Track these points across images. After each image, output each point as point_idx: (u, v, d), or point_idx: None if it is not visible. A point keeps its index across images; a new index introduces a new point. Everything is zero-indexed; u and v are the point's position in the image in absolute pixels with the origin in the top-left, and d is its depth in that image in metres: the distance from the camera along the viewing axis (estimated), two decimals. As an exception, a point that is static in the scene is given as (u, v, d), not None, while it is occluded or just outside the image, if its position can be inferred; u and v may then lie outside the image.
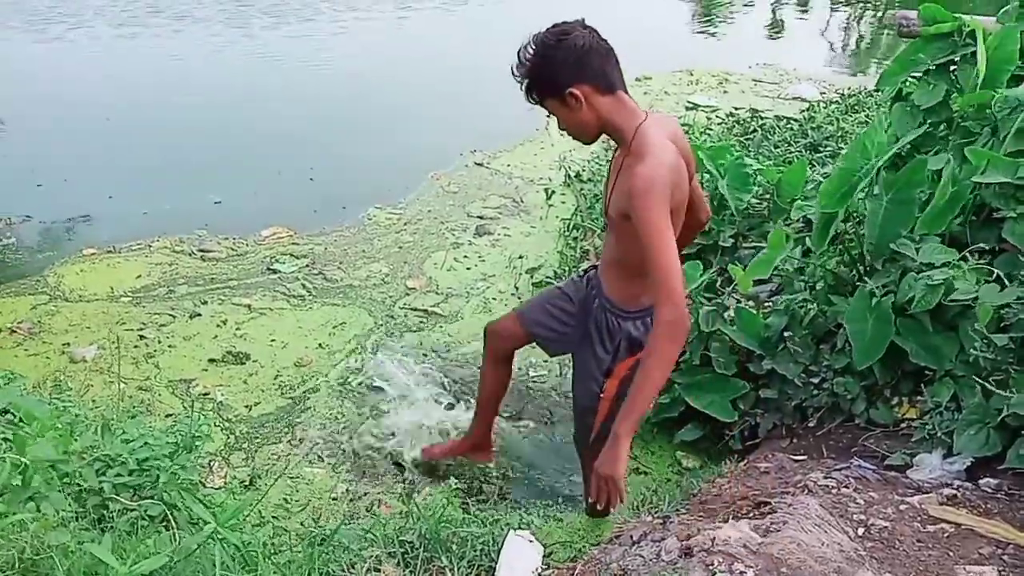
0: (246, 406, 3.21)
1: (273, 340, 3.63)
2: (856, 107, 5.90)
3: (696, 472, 2.84)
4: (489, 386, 2.64)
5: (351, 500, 2.73)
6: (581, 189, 5.02)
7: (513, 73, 1.90)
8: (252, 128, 5.95)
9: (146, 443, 2.02)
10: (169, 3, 8.70)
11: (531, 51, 1.86)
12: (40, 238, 4.44)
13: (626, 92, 1.92)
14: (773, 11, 10.38)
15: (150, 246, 4.36)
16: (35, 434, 1.73)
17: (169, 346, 3.55)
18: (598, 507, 2.00)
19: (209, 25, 8.13)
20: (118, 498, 1.78)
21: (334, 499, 2.74)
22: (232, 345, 3.57)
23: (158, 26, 7.99)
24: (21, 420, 1.89)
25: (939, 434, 2.27)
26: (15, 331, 3.57)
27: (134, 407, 3.04)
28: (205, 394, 3.25)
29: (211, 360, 3.47)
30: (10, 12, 8.16)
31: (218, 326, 3.71)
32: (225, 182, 5.11)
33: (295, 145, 5.69)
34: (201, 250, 4.34)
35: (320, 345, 3.61)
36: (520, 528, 2.10)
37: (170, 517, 1.74)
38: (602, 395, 2.21)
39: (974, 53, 2.69)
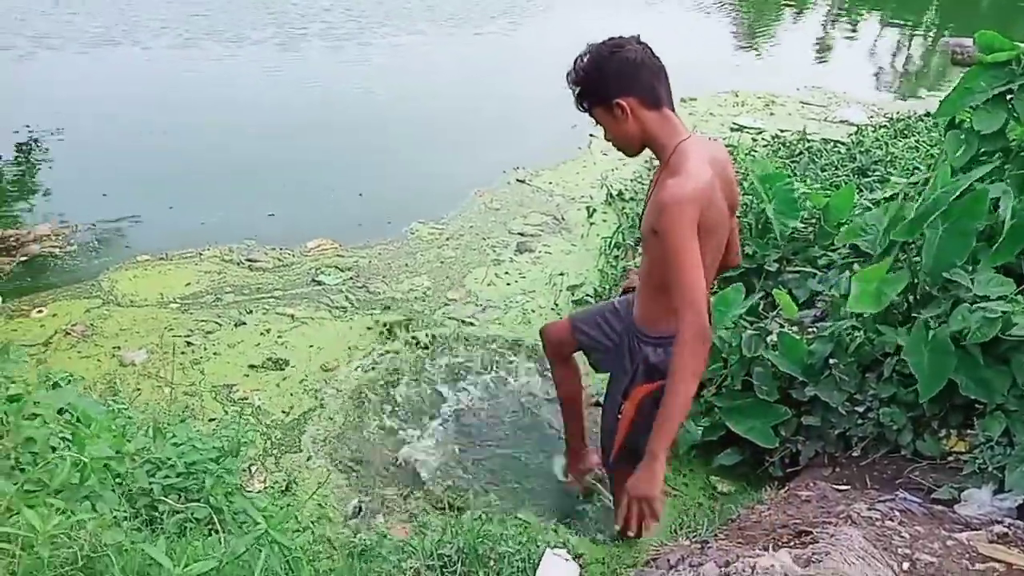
0: (283, 411, 3.27)
1: (311, 347, 3.70)
2: (905, 132, 5.81)
3: (734, 497, 2.81)
4: (563, 388, 2.69)
5: (363, 515, 2.77)
6: (623, 208, 5.02)
7: (567, 79, 1.95)
8: (304, 145, 6.09)
9: (194, 447, 2.08)
10: (226, 26, 8.99)
11: (585, 60, 1.92)
12: (99, 244, 4.59)
13: (673, 110, 1.95)
14: (822, 34, 10.29)
15: (200, 255, 4.48)
16: (92, 435, 1.79)
17: (214, 353, 3.63)
18: (629, 532, 1.96)
19: (265, 48, 8.39)
20: (167, 500, 1.83)
21: (358, 512, 2.77)
22: (273, 352, 3.64)
23: (217, 48, 8.26)
24: (78, 420, 1.96)
25: (990, 469, 2.21)
26: (69, 333, 3.70)
27: (182, 411, 3.12)
28: (244, 399, 3.32)
29: (251, 366, 3.54)
30: (67, 32, 8.50)
31: (262, 335, 3.79)
32: (276, 195, 5.23)
33: (344, 162, 5.83)
34: (249, 260, 4.44)
35: (349, 347, 3.69)
36: (556, 547, 2.10)
37: (215, 520, 1.78)
38: (619, 417, 2.21)
39: (1033, 81, 2.64)
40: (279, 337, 3.77)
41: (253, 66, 7.90)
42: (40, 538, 1.30)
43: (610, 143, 2.01)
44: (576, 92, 1.95)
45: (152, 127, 6.26)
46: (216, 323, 3.85)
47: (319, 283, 4.24)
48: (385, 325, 3.83)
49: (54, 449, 1.68)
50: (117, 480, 1.82)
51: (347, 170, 5.68)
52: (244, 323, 3.86)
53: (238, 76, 7.60)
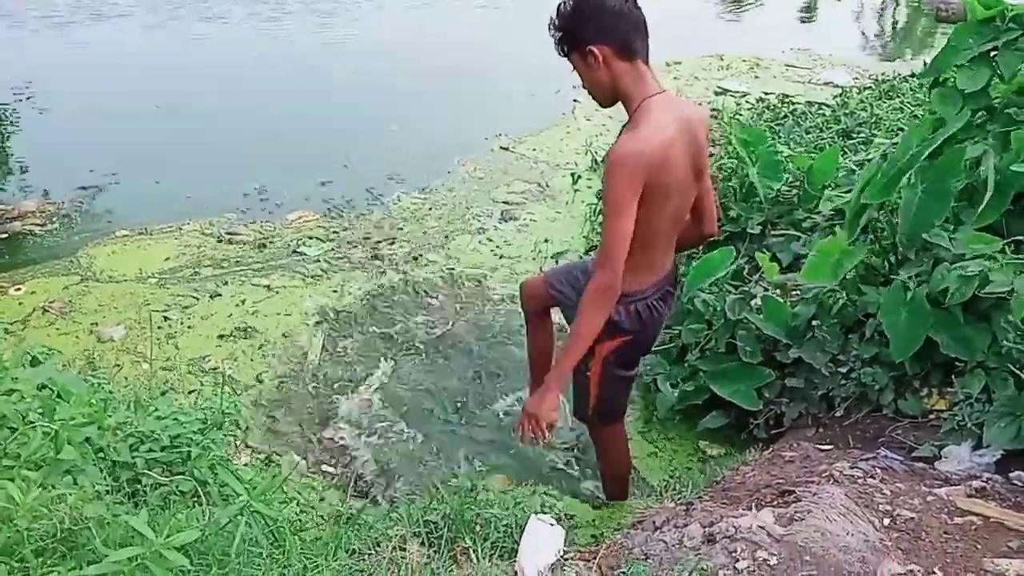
0: (258, 380, 3.25)
1: (279, 314, 3.69)
2: (890, 93, 5.78)
3: (719, 460, 2.83)
4: (536, 340, 2.69)
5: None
6: (607, 175, 4.99)
7: (549, 23, 1.94)
8: (288, 118, 6.03)
9: (177, 420, 2.06)
10: (211, 1, 8.84)
11: (568, 4, 1.91)
12: (80, 220, 4.52)
13: (647, 64, 1.93)
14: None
15: (180, 228, 4.42)
16: (67, 406, 1.77)
17: (189, 327, 3.59)
18: (521, 441, 2.12)
19: (249, 22, 8.25)
20: (150, 473, 1.82)
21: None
22: (243, 321, 3.62)
23: (200, 26, 8.11)
24: (59, 395, 1.94)
25: (969, 425, 2.24)
26: (47, 310, 3.65)
27: (161, 385, 3.09)
28: (215, 368, 3.29)
29: (220, 336, 3.52)
30: (40, 9, 8.31)
31: (236, 305, 3.75)
32: (259, 168, 5.16)
33: (328, 134, 5.76)
34: (229, 233, 4.38)
35: (309, 313, 3.69)
36: (542, 511, 2.11)
37: (200, 493, 1.77)
38: (588, 373, 2.22)
39: (1017, 39, 2.61)
40: (251, 307, 3.74)
41: (238, 40, 7.79)
42: (19, 511, 1.29)
43: (585, 91, 2.00)
44: (557, 36, 1.94)
45: (140, 102, 6.16)
46: (194, 297, 3.81)
47: (300, 254, 4.21)
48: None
49: (32, 423, 1.66)
50: (100, 455, 1.80)
51: (330, 142, 5.61)
52: (220, 295, 3.83)
53: (222, 51, 7.49)
